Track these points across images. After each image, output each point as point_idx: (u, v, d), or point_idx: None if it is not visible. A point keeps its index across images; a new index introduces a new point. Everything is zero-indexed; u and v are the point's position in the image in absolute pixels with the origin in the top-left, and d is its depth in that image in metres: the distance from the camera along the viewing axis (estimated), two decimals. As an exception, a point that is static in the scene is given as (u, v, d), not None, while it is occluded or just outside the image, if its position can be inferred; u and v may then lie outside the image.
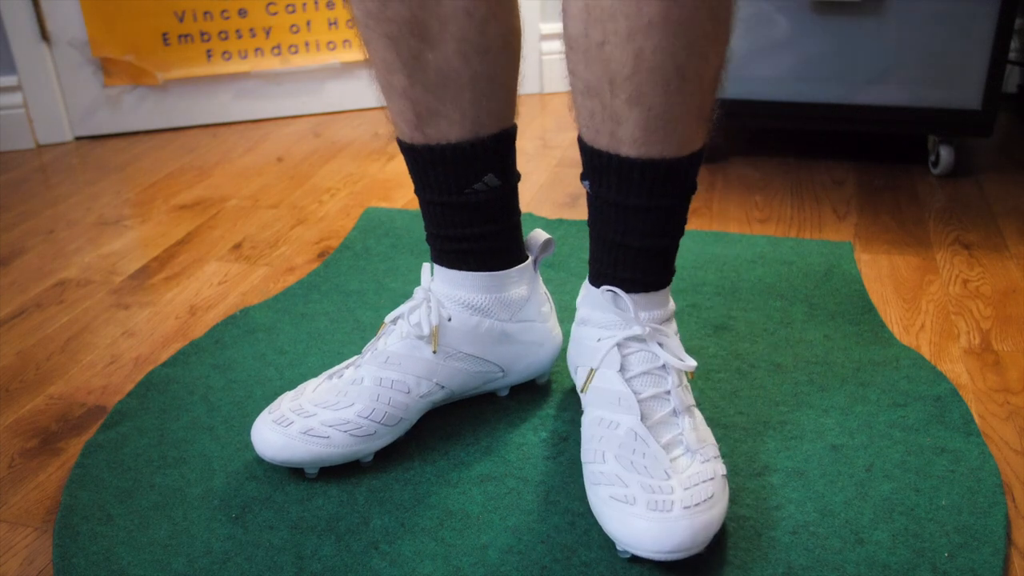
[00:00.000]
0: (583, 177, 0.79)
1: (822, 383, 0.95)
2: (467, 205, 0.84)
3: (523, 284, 0.89)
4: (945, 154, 1.46)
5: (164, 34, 1.85)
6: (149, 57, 1.85)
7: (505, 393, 0.95)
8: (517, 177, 0.87)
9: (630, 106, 0.71)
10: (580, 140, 0.77)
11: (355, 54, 1.94)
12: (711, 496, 0.72)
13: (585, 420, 0.82)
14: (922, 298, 1.12)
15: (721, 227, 1.34)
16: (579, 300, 0.88)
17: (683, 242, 1.27)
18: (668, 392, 0.79)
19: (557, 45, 2.06)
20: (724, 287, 1.15)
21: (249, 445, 0.89)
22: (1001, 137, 1.65)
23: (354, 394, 0.83)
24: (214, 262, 1.31)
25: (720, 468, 0.76)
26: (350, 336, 1.08)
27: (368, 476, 0.84)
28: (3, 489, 0.87)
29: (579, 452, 0.86)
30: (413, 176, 0.85)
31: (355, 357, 0.88)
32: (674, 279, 1.17)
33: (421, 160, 0.82)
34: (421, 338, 0.85)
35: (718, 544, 0.75)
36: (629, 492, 0.72)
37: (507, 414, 0.92)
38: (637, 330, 0.79)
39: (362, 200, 1.50)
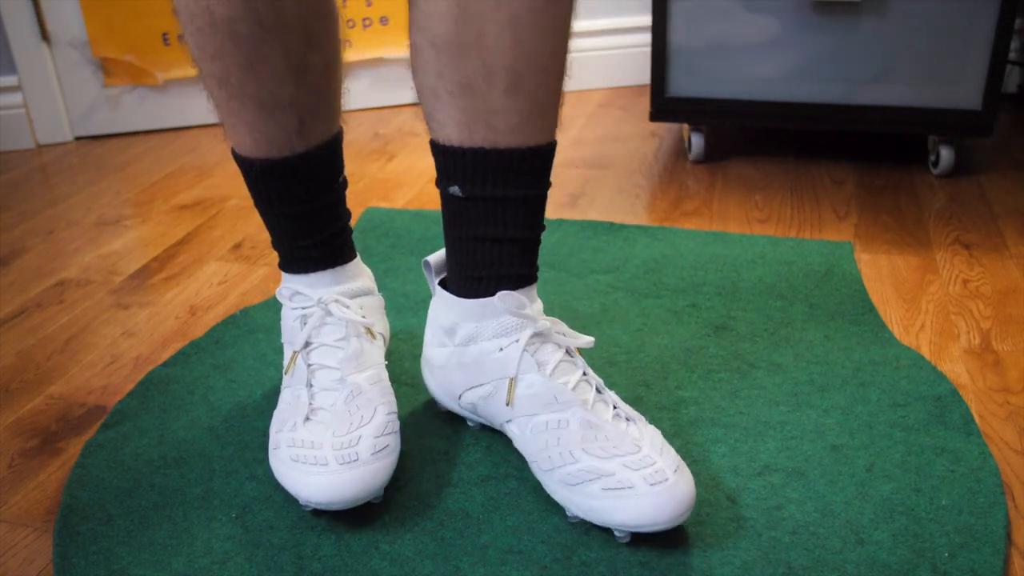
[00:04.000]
0: (446, 184, 0.79)
1: (822, 383, 0.95)
2: (334, 201, 0.87)
3: (363, 271, 0.95)
4: (945, 154, 1.46)
5: (164, 34, 1.85)
6: (149, 57, 1.85)
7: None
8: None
9: (508, 95, 0.73)
10: (442, 146, 0.78)
11: (355, 54, 1.94)
12: (677, 455, 0.77)
13: (526, 431, 0.79)
14: (922, 298, 1.12)
15: (721, 227, 1.34)
16: (444, 323, 0.84)
17: (683, 242, 1.27)
18: (585, 373, 0.80)
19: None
20: (724, 287, 1.15)
21: (249, 445, 0.89)
22: (1001, 137, 1.65)
23: (367, 402, 0.81)
24: (214, 262, 1.31)
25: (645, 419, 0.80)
26: (350, 336, 1.08)
27: (368, 476, 0.84)
28: (3, 489, 0.87)
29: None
30: (282, 193, 0.83)
31: (292, 402, 0.84)
32: (674, 279, 1.17)
33: (302, 167, 0.82)
34: (360, 335, 0.86)
35: (719, 544, 0.75)
36: (621, 477, 0.73)
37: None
38: (543, 324, 0.79)
39: (362, 200, 1.50)
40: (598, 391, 0.80)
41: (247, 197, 1.55)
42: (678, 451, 0.85)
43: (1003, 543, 0.74)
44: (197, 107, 1.93)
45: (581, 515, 0.76)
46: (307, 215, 0.85)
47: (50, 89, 1.83)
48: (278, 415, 0.85)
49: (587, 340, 0.80)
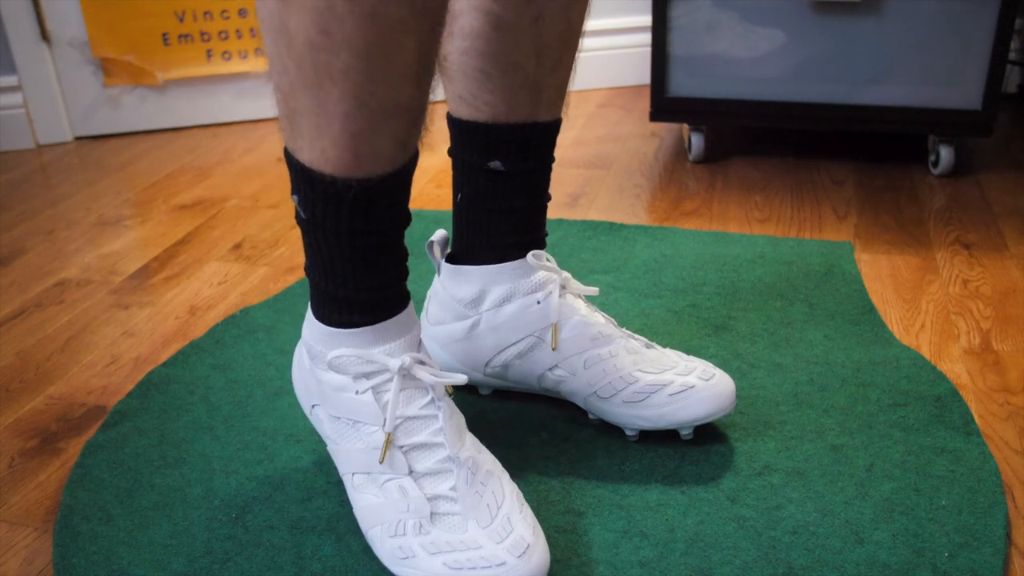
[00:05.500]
0: (484, 160, 0.82)
1: (822, 383, 0.95)
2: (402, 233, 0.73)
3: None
4: (945, 154, 1.46)
5: (164, 34, 1.85)
6: (149, 57, 1.85)
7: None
8: None
9: (551, 72, 0.79)
10: (484, 124, 0.81)
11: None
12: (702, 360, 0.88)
13: (578, 369, 0.86)
14: (922, 298, 1.12)
15: (721, 227, 1.34)
16: (465, 295, 0.86)
17: (683, 242, 1.27)
18: (605, 315, 0.88)
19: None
20: (724, 287, 1.15)
21: (249, 445, 0.89)
22: (1001, 137, 1.65)
23: (488, 475, 0.71)
24: (214, 262, 1.31)
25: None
26: (350, 336, 1.08)
27: (368, 476, 0.84)
28: (3, 489, 0.87)
29: (579, 453, 0.86)
30: (378, 219, 0.67)
31: (397, 497, 0.70)
32: (674, 279, 1.17)
33: (403, 184, 0.68)
34: (443, 396, 0.73)
35: (719, 544, 0.75)
36: (681, 382, 0.83)
37: (507, 414, 0.92)
38: (565, 275, 0.86)
39: (362, 200, 1.50)
40: (616, 325, 0.88)
41: (247, 197, 1.55)
42: (678, 450, 0.85)
43: (1003, 543, 0.74)
44: (197, 107, 1.93)
45: (650, 426, 0.84)
46: (393, 244, 0.70)
47: (50, 89, 1.83)
48: (380, 514, 0.71)
49: (593, 289, 0.87)
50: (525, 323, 0.86)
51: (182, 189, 1.60)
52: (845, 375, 0.96)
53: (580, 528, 0.77)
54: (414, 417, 0.71)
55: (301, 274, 1.26)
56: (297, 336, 1.08)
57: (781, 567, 0.72)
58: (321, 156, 0.64)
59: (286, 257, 1.31)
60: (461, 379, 0.71)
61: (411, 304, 0.74)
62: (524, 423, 0.91)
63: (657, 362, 0.85)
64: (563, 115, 0.84)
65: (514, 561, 0.65)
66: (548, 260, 0.87)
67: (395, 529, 0.69)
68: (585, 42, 2.07)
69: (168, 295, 1.22)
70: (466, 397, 0.95)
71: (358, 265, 0.69)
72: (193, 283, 1.25)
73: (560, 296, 0.85)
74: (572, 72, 0.82)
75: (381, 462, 0.70)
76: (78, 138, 1.90)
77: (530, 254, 0.85)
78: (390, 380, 0.70)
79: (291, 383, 0.98)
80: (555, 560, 0.74)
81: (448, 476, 0.70)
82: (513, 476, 0.83)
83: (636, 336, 0.88)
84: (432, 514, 0.69)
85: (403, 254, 0.72)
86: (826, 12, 1.41)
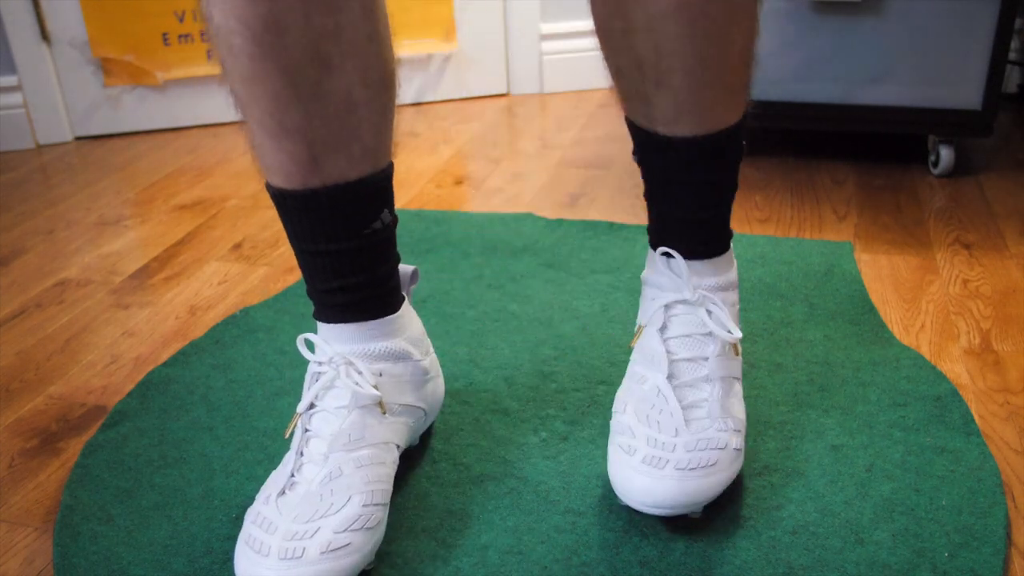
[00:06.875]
0: (633, 151, 0.82)
1: (822, 383, 0.95)
2: (365, 248, 0.76)
3: (414, 318, 0.84)
4: (945, 154, 1.46)
5: (164, 34, 1.85)
6: (149, 57, 1.85)
7: (416, 443, 0.88)
8: (396, 216, 0.81)
9: (657, 89, 0.73)
10: (626, 115, 0.80)
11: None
12: (713, 463, 0.74)
13: (625, 375, 0.84)
14: (922, 298, 1.12)
15: (721, 227, 1.33)
16: (647, 259, 0.88)
17: (683, 242, 1.27)
18: (706, 358, 0.80)
19: (557, 45, 2.07)
20: (724, 287, 1.15)
21: (249, 445, 0.89)
22: (1001, 137, 1.65)
23: (343, 489, 0.73)
24: (214, 262, 1.31)
25: (735, 441, 0.77)
26: (350, 336, 1.08)
27: (368, 476, 0.84)
28: (3, 489, 0.87)
29: (579, 453, 0.86)
30: (299, 227, 0.75)
31: (281, 468, 0.75)
32: (674, 279, 1.17)
33: (315, 205, 0.73)
34: (365, 407, 0.76)
35: (719, 544, 0.75)
36: (634, 443, 0.76)
37: (506, 415, 0.92)
38: (686, 294, 0.80)
39: (362, 200, 1.50)
40: (707, 379, 0.79)
41: (247, 197, 1.55)
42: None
43: (1003, 543, 0.74)
44: (197, 107, 1.93)
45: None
46: (329, 255, 0.76)
47: (50, 89, 1.83)
48: (270, 478, 0.77)
49: (735, 335, 0.79)
50: (641, 310, 0.87)
51: (182, 189, 1.60)
52: (845, 375, 0.96)
53: (580, 528, 0.77)
54: (327, 411, 0.76)
55: (300, 274, 1.26)
56: (297, 336, 1.08)
57: (781, 567, 0.72)
58: (258, 161, 0.74)
59: (286, 257, 1.31)
60: (369, 392, 0.76)
61: (383, 319, 0.79)
62: (524, 423, 0.91)
63: (665, 416, 0.78)
64: (689, 133, 0.75)
65: (275, 561, 0.68)
66: (684, 274, 0.81)
67: (262, 492, 0.75)
68: (585, 42, 2.07)
69: (168, 295, 1.22)
70: (467, 397, 0.95)
71: (304, 265, 0.78)
72: (193, 283, 1.25)
73: (673, 309, 0.82)
74: (693, 97, 0.73)
75: (286, 436, 0.78)
76: (78, 138, 1.90)
77: (658, 251, 0.81)
78: (325, 368, 0.77)
79: (291, 383, 0.98)
80: (555, 560, 0.74)
81: (316, 469, 0.74)
82: (513, 476, 0.83)
83: (731, 388, 0.81)
84: (282, 492, 0.73)
85: (351, 269, 0.76)
86: (826, 12, 1.41)
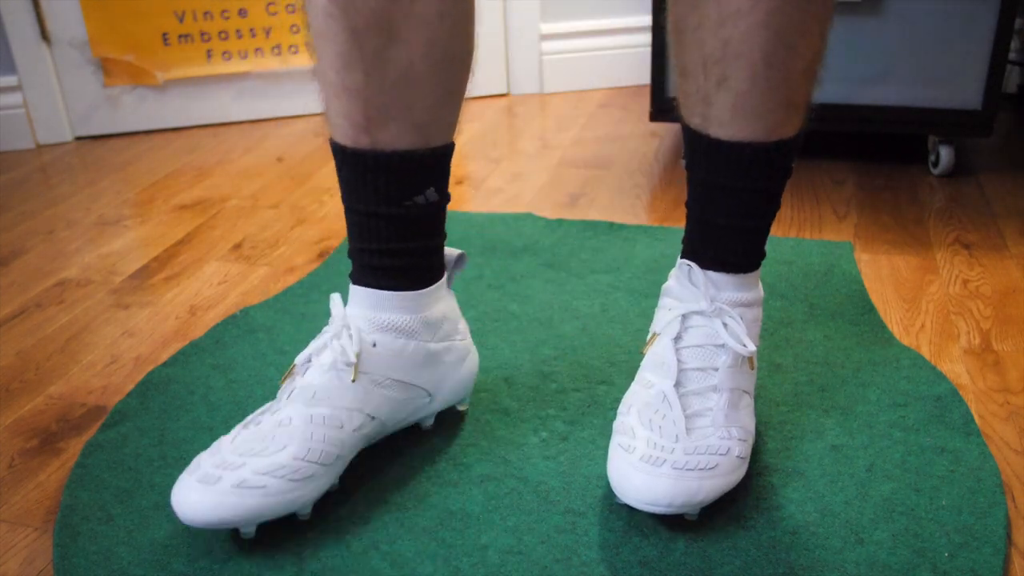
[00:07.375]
0: (683, 155, 0.83)
1: (822, 383, 0.95)
2: (403, 218, 0.79)
3: (442, 301, 0.85)
4: (945, 154, 1.46)
5: (164, 34, 1.85)
6: (149, 57, 1.85)
7: (430, 423, 0.89)
8: (448, 197, 0.82)
9: (718, 89, 0.74)
10: (680, 118, 0.81)
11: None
12: (712, 467, 0.75)
13: (634, 380, 0.84)
14: (922, 298, 1.12)
15: (721, 227, 1.33)
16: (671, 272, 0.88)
17: (683, 242, 1.27)
18: (716, 368, 0.80)
19: (557, 45, 2.07)
20: (724, 287, 1.15)
21: (249, 445, 0.89)
22: (1001, 137, 1.65)
23: (284, 436, 0.75)
24: (214, 262, 1.31)
25: (738, 449, 0.77)
26: (350, 336, 1.08)
27: (368, 476, 0.84)
28: (3, 489, 0.87)
29: (579, 453, 0.86)
30: (348, 184, 0.79)
31: (268, 404, 0.80)
32: (674, 279, 1.17)
33: (362, 166, 0.77)
34: (341, 370, 0.79)
35: (719, 544, 0.75)
36: (634, 443, 0.76)
37: (507, 415, 0.92)
38: (703, 306, 0.80)
39: (362, 200, 1.50)
40: (715, 389, 0.79)
41: (247, 197, 1.55)
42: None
43: (1003, 543, 0.74)
44: (197, 107, 1.93)
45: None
46: (366, 215, 0.79)
47: (50, 89, 1.83)
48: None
49: (748, 349, 0.79)
50: (656, 318, 0.87)
51: (182, 189, 1.60)
52: (845, 375, 0.96)
53: (580, 528, 0.77)
54: (315, 368, 0.79)
55: (301, 274, 1.26)
56: (297, 336, 1.08)
57: (781, 567, 0.72)
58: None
59: (286, 257, 1.31)
60: (344, 358, 0.79)
61: (404, 292, 0.81)
62: (524, 423, 0.91)
63: (668, 422, 0.77)
64: (742, 138, 0.76)
65: (192, 481, 0.73)
66: (709, 285, 0.81)
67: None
68: (585, 42, 2.07)
69: (168, 295, 1.22)
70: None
71: (347, 220, 0.82)
72: (193, 283, 1.25)
73: (689, 319, 0.82)
74: (752, 100, 0.74)
75: (280, 383, 0.83)
76: (78, 138, 1.90)
77: (687, 262, 0.82)
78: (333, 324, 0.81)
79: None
80: (555, 560, 0.74)
81: (274, 414, 0.78)
82: (513, 476, 0.83)
83: (740, 400, 0.81)
84: (245, 425, 0.78)
85: (385, 235, 0.79)
86: (826, 12, 1.41)
